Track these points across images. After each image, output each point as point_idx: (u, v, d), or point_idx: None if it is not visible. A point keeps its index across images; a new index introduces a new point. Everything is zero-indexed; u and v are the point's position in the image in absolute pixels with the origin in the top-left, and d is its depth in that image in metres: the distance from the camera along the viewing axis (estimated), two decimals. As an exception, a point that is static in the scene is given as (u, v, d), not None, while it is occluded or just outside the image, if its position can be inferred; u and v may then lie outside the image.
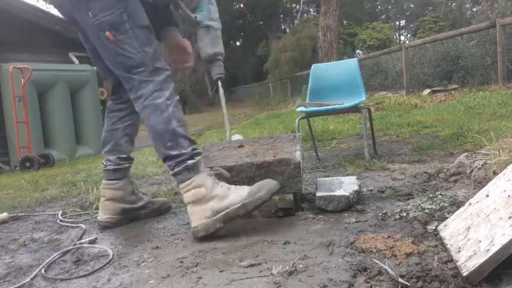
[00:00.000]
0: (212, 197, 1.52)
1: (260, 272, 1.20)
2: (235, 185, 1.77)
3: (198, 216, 1.52)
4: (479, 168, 1.87)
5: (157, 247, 1.55)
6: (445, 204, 1.55)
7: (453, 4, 33.41)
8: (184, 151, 1.56)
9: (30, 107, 6.57)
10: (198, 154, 1.59)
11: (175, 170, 1.57)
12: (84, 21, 1.57)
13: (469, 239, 1.11)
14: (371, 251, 1.25)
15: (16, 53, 7.25)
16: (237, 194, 1.52)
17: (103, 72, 1.86)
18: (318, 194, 1.78)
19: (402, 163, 2.65)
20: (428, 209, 1.54)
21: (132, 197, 1.94)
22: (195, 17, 1.69)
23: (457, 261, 1.07)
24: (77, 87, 7.59)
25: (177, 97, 1.63)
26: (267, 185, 1.55)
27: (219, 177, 1.61)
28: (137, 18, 1.58)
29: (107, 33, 1.54)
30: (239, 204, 1.49)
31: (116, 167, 1.88)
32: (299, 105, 3.14)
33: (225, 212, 1.50)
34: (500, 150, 1.89)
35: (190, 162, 1.54)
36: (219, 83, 1.76)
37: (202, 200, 1.52)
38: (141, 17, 1.60)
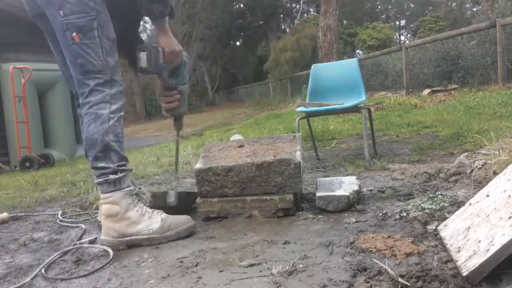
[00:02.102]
0: (124, 218, 1.58)
1: (260, 272, 1.21)
2: (234, 185, 1.78)
3: (106, 232, 1.59)
4: (479, 168, 1.87)
5: (157, 247, 1.55)
6: (445, 204, 1.55)
7: (453, 4, 33.42)
8: (111, 165, 1.59)
9: (30, 107, 6.58)
10: (124, 170, 1.62)
11: (98, 180, 1.61)
12: (54, 17, 1.59)
13: (469, 239, 1.11)
14: (371, 251, 1.25)
15: (16, 53, 7.25)
16: (147, 225, 1.58)
17: (62, 70, 1.87)
18: (318, 194, 1.78)
19: (402, 163, 2.65)
20: (428, 209, 1.54)
21: None
22: (171, 83, 1.85)
23: (457, 261, 1.07)
24: (77, 87, 7.59)
25: (122, 113, 1.69)
26: (180, 224, 1.63)
27: (142, 198, 1.70)
28: (107, 29, 1.62)
29: (74, 34, 1.56)
30: (145, 237, 1.57)
31: None
32: (299, 105, 3.14)
33: (130, 238, 1.57)
34: (500, 150, 1.89)
35: (112, 176, 1.58)
36: (178, 137, 2.05)
37: (114, 217, 1.57)
38: (110, 30, 1.64)
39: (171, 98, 1.85)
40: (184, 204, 1.94)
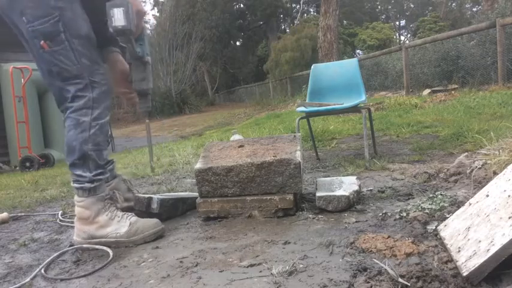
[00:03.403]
0: (94, 222, 1.61)
1: (260, 272, 1.20)
2: (234, 185, 1.78)
3: (77, 233, 1.65)
4: (479, 168, 1.87)
5: (157, 247, 1.55)
6: (445, 204, 1.55)
7: (453, 4, 33.41)
8: (87, 174, 1.60)
9: (30, 107, 6.58)
10: (100, 180, 1.63)
11: (74, 185, 1.64)
12: (19, 24, 1.51)
13: (469, 239, 1.11)
14: (371, 251, 1.25)
15: (16, 53, 7.25)
16: (115, 229, 1.61)
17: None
18: (318, 194, 1.78)
19: (402, 163, 2.65)
20: (428, 209, 1.54)
21: (128, 195, 1.95)
22: (138, 52, 1.65)
23: (457, 261, 1.07)
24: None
25: (107, 117, 1.62)
26: (147, 228, 1.63)
27: (116, 201, 1.71)
28: (75, 27, 1.51)
29: (42, 42, 1.48)
30: (113, 240, 1.60)
31: None
32: (299, 105, 3.14)
33: (98, 240, 1.61)
34: (500, 150, 1.89)
35: (87, 185, 1.60)
36: (147, 118, 1.79)
37: (85, 221, 1.61)
38: (80, 26, 1.52)
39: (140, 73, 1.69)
40: (169, 211, 1.93)
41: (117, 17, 1.44)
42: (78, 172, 1.60)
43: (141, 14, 1.59)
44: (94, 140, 1.59)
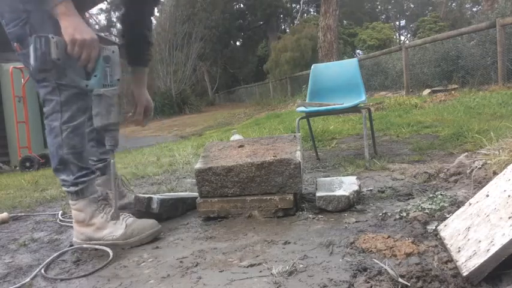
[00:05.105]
0: (90, 224, 1.61)
1: (260, 272, 1.20)
2: (234, 185, 1.78)
3: (76, 235, 1.66)
4: (479, 168, 1.87)
5: (157, 247, 1.55)
6: (445, 204, 1.55)
7: (453, 4, 33.42)
8: (70, 178, 1.59)
9: (30, 107, 6.59)
10: (84, 182, 1.61)
11: (62, 188, 1.66)
12: (4, 27, 1.55)
13: (469, 239, 1.11)
14: (371, 251, 1.25)
15: (16, 53, 7.24)
16: (111, 232, 1.60)
17: None
18: (318, 194, 1.78)
19: (402, 163, 2.65)
20: (428, 209, 1.54)
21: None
22: (86, 85, 1.50)
23: (457, 261, 1.07)
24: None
25: (80, 119, 1.56)
26: (143, 230, 1.62)
27: (108, 202, 1.68)
28: (40, 30, 1.48)
29: (15, 44, 1.51)
30: (110, 242, 1.60)
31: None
32: (299, 105, 3.14)
33: (97, 242, 1.61)
34: (500, 150, 1.89)
35: (72, 188, 1.60)
36: (112, 154, 1.57)
37: (82, 223, 1.62)
38: (46, 30, 1.47)
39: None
40: (169, 211, 1.93)
41: (31, 55, 1.36)
42: (62, 177, 1.61)
43: (79, 43, 1.41)
44: (68, 144, 1.56)
